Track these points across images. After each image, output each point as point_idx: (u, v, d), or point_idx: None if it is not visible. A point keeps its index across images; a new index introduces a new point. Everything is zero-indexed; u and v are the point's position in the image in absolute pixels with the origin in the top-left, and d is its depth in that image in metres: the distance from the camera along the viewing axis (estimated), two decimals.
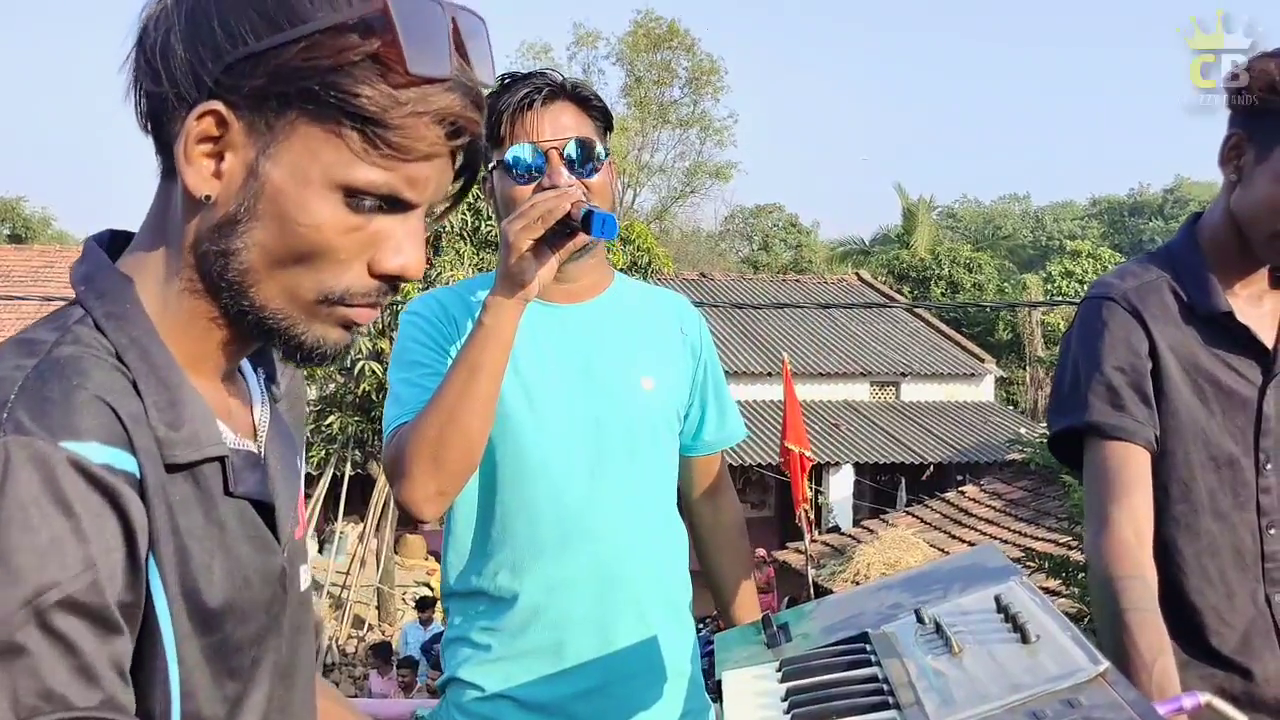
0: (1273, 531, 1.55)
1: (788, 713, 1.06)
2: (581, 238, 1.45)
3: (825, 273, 27.78)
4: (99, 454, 0.69)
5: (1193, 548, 1.55)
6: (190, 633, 0.75)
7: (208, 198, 0.75)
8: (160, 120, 0.77)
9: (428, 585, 15.67)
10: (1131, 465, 1.50)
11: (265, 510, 0.84)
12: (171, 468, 0.75)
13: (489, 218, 13.28)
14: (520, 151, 1.56)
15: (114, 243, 0.84)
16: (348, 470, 13.10)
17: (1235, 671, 1.53)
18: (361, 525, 13.82)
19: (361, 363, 12.47)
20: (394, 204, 0.77)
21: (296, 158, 0.74)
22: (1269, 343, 1.57)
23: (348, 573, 13.60)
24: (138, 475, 0.71)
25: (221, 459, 0.79)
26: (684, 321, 1.79)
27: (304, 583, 0.91)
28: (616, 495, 1.61)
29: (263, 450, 0.87)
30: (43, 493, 0.66)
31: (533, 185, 1.55)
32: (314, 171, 0.74)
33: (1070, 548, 7.96)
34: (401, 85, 0.73)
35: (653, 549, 1.66)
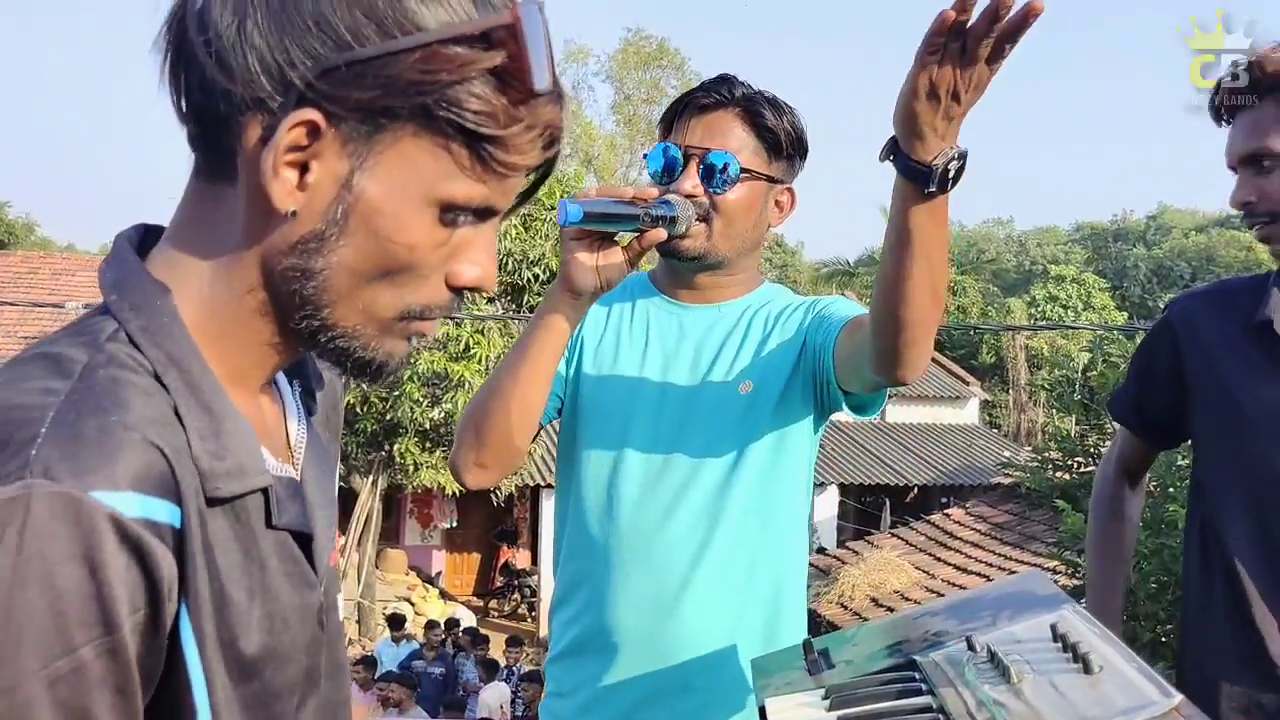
0: None
1: None
2: (653, 235, 1.40)
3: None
4: (135, 506, 0.62)
5: (1259, 555, 1.55)
6: (226, 683, 0.69)
7: (293, 213, 0.69)
8: (218, 117, 0.68)
9: (409, 601, 15.52)
10: (1121, 442, 1.86)
11: (304, 541, 0.78)
12: (212, 501, 0.68)
13: None
14: (656, 152, 1.54)
15: (144, 241, 0.76)
16: None
17: None
18: (343, 539, 13.73)
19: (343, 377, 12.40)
20: (482, 214, 0.74)
21: (396, 172, 0.69)
22: None
23: None
24: (178, 525, 0.65)
25: (265, 489, 0.73)
26: (782, 308, 1.64)
27: (341, 614, 0.85)
28: (689, 503, 1.56)
29: (300, 473, 0.81)
30: (69, 552, 0.59)
31: (660, 188, 1.50)
32: (413, 187, 0.70)
33: (1057, 572, 7.89)
34: (519, 101, 0.69)
35: (718, 561, 1.57)
